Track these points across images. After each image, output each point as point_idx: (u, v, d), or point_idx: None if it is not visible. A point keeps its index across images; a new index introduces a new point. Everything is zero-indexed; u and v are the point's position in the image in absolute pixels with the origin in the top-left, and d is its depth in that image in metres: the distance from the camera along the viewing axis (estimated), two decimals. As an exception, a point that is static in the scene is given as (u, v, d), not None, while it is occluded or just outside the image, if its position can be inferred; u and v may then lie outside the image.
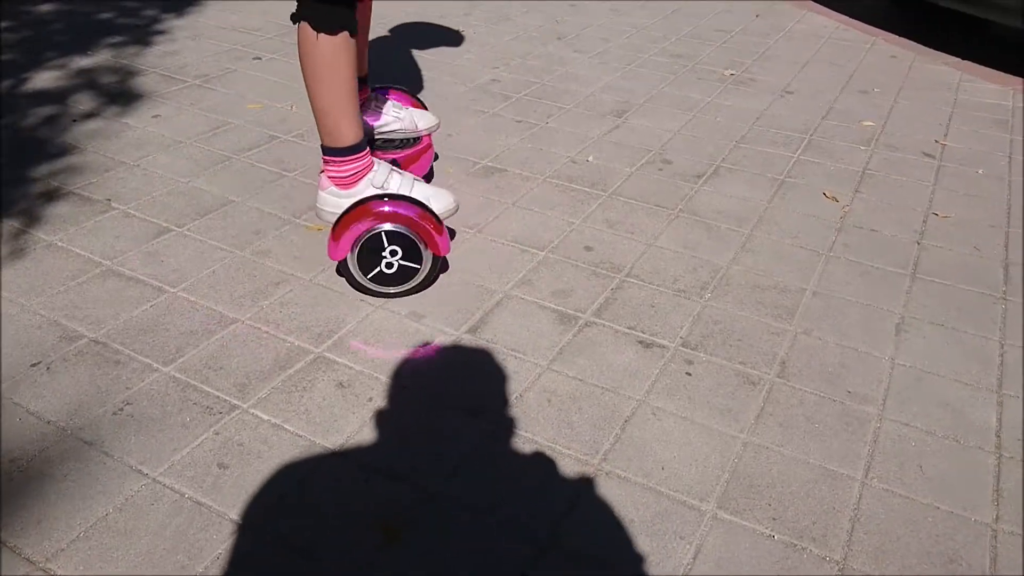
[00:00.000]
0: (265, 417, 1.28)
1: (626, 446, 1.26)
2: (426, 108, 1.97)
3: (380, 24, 3.08)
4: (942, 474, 1.24)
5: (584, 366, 1.42)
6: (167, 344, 1.42)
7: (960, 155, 2.29)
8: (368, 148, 1.55)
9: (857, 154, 2.27)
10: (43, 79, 2.46)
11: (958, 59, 3.08)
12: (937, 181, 2.14)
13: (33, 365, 1.36)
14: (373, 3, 1.90)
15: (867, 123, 2.47)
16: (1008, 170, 2.22)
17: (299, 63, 1.47)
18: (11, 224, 1.74)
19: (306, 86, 1.48)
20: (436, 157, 2.11)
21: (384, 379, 1.37)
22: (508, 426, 1.28)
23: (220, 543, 1.07)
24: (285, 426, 1.27)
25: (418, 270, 1.54)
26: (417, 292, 1.58)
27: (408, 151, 1.88)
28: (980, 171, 2.20)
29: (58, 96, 2.36)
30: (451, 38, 3.05)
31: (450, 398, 1.34)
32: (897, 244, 1.84)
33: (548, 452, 1.24)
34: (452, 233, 1.76)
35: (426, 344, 1.45)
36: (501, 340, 1.47)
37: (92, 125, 2.20)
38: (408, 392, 1.35)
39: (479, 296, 1.59)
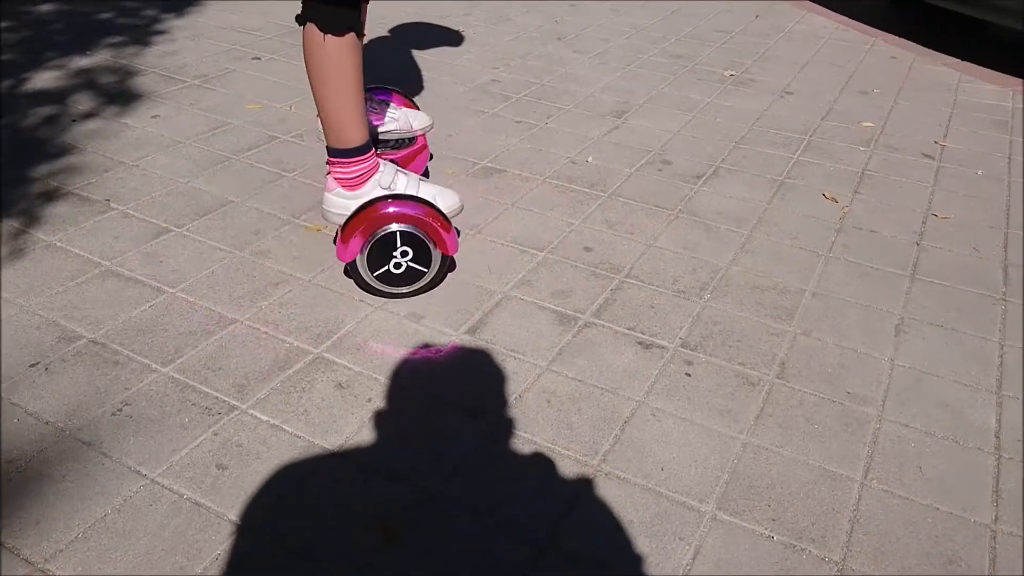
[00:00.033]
0: (264, 418, 1.28)
1: (625, 447, 1.26)
2: (418, 108, 1.97)
3: (380, 24, 3.08)
4: (941, 475, 1.24)
5: (583, 367, 1.42)
6: (166, 345, 1.42)
7: (959, 156, 2.29)
8: (374, 149, 1.55)
9: (857, 155, 2.27)
10: (43, 79, 2.46)
11: (957, 60, 3.08)
12: (936, 182, 2.14)
13: (32, 365, 1.36)
14: (373, 3, 1.89)
15: (867, 124, 2.47)
16: (1007, 171, 2.22)
17: (304, 64, 1.46)
18: (10, 224, 1.74)
19: (312, 88, 1.47)
20: (431, 157, 2.11)
21: (383, 380, 1.37)
22: (507, 427, 1.28)
23: (219, 544, 1.07)
24: (284, 427, 1.26)
25: (424, 273, 1.54)
26: (424, 292, 1.58)
27: (404, 152, 1.87)
28: (979, 172, 2.20)
29: (58, 96, 2.36)
30: (451, 38, 3.05)
31: (449, 399, 1.34)
32: (896, 245, 1.84)
33: (547, 453, 1.24)
34: (457, 232, 1.76)
35: (429, 345, 1.45)
36: (500, 341, 1.47)
37: (91, 125, 2.20)
38: (407, 393, 1.35)
39: (478, 297, 1.59)
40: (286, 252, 1.70)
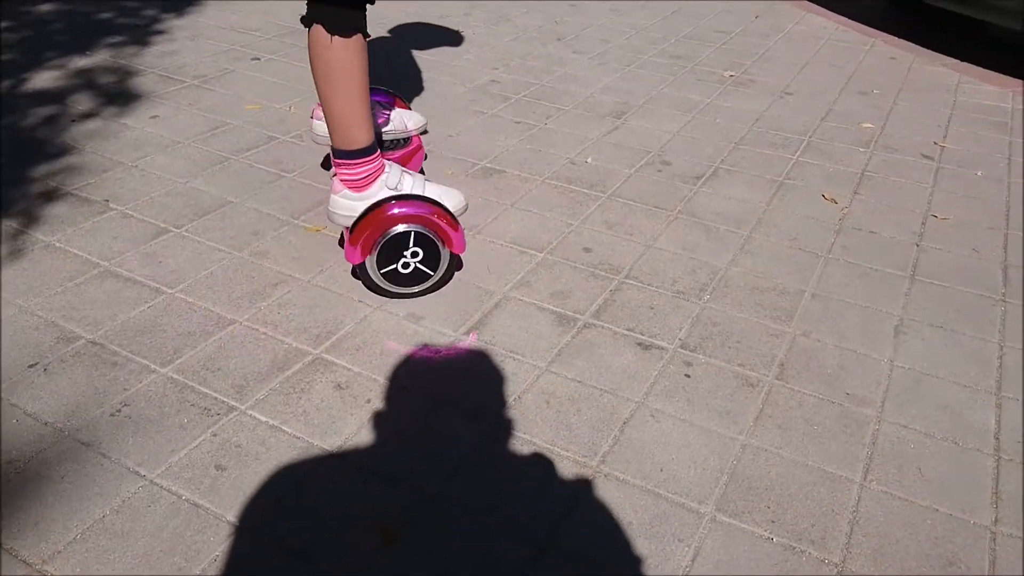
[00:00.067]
0: (263, 419, 1.28)
1: (625, 448, 1.26)
2: (410, 107, 1.97)
3: (380, 24, 3.08)
4: (941, 476, 1.24)
5: (583, 368, 1.42)
6: (165, 345, 1.42)
7: (959, 157, 2.29)
8: (379, 150, 1.55)
9: (856, 156, 2.27)
10: (42, 79, 2.46)
11: (957, 61, 3.08)
12: (936, 183, 2.14)
13: (30, 366, 1.36)
14: (374, 3, 1.89)
15: (866, 125, 2.47)
16: (1007, 172, 2.22)
17: (310, 66, 1.45)
18: (9, 224, 1.74)
19: (318, 89, 1.46)
20: (425, 156, 2.10)
21: (382, 381, 1.37)
22: (506, 428, 1.28)
23: (217, 545, 1.07)
24: (283, 428, 1.26)
25: (430, 276, 1.55)
26: (432, 292, 1.58)
27: (400, 152, 1.87)
28: (979, 173, 2.20)
29: (57, 96, 2.35)
30: (451, 38, 3.04)
31: (448, 400, 1.33)
32: (896, 246, 1.84)
33: (547, 454, 1.24)
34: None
35: (438, 345, 1.45)
36: (500, 342, 1.47)
37: (91, 125, 2.20)
38: (406, 393, 1.34)
39: (477, 297, 1.59)
40: (285, 253, 1.70)
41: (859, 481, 1.22)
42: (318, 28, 1.40)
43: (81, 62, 2.61)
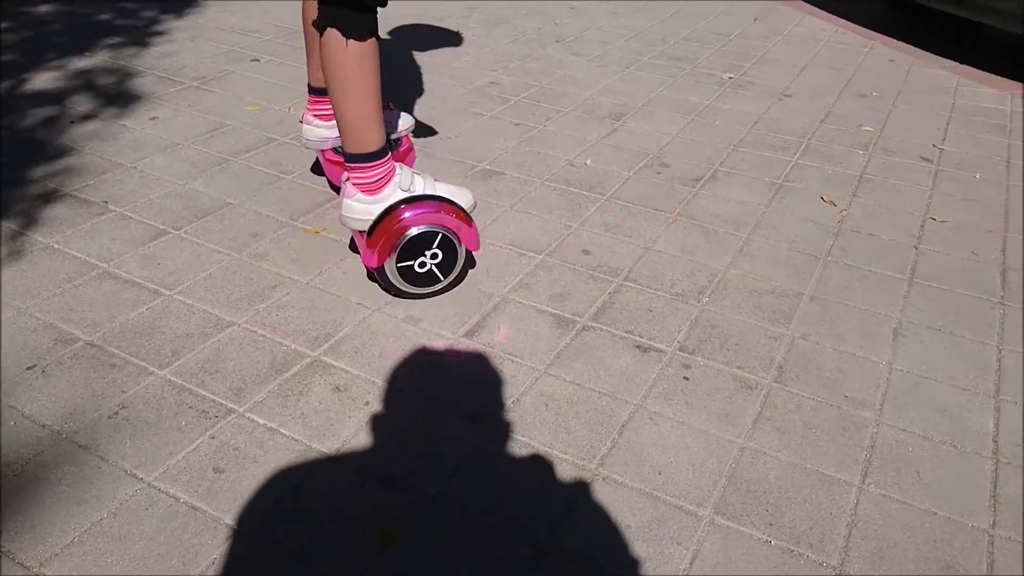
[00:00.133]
0: (261, 421, 1.28)
1: (623, 451, 1.26)
2: (392, 108, 1.96)
3: (379, 26, 3.07)
4: (939, 480, 1.24)
5: (581, 370, 1.42)
6: (163, 347, 1.42)
7: (958, 159, 2.29)
8: (390, 152, 1.54)
9: (855, 158, 2.27)
10: (42, 80, 2.46)
11: (956, 63, 3.08)
12: (935, 185, 2.14)
13: (28, 368, 1.35)
14: (385, 5, 1.88)
15: (865, 127, 2.47)
16: (1006, 174, 2.22)
17: (323, 70, 1.43)
18: (8, 226, 1.73)
19: (332, 93, 1.44)
20: (415, 158, 2.10)
21: (380, 383, 1.37)
22: (505, 430, 1.28)
23: (215, 548, 1.07)
24: (281, 430, 1.26)
25: (444, 279, 1.57)
26: (445, 292, 1.60)
27: (394, 153, 1.87)
28: (978, 175, 2.20)
29: (56, 97, 2.35)
30: (450, 40, 3.05)
31: (447, 402, 1.33)
32: (895, 248, 1.84)
33: (545, 457, 1.24)
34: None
35: (432, 346, 1.45)
36: (498, 344, 1.47)
37: (90, 127, 2.20)
38: (405, 396, 1.34)
39: (476, 299, 1.59)
40: (284, 254, 1.70)
41: (857, 484, 1.22)
42: (333, 32, 1.38)
43: (80, 63, 2.61)
